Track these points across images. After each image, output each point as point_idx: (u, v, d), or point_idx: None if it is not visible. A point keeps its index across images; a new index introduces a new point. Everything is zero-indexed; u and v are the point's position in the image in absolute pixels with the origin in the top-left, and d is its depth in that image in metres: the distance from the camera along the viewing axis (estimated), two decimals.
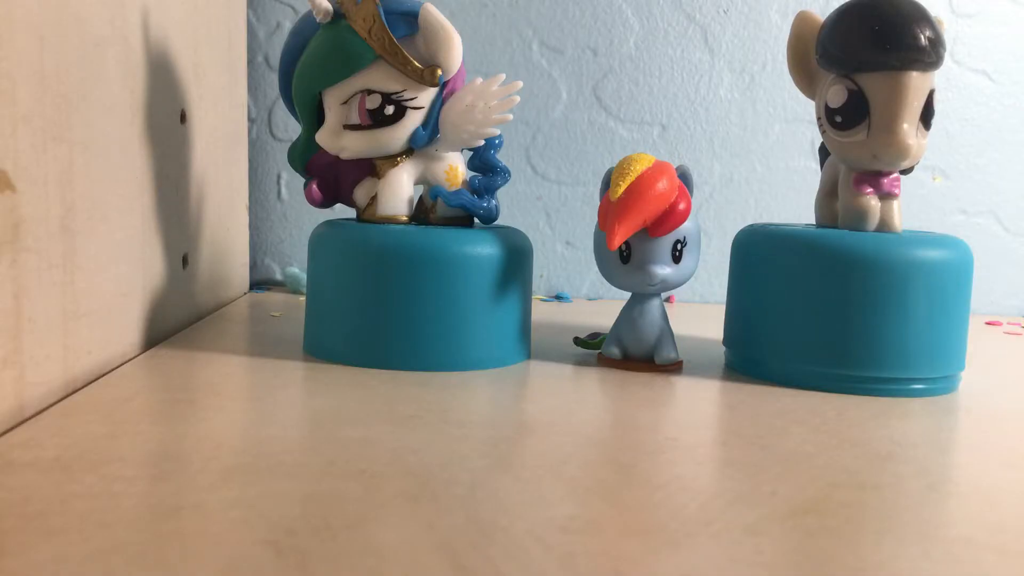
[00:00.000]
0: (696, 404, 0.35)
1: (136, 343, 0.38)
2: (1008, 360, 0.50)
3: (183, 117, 0.44)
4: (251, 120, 0.68)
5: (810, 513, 0.22)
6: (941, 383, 0.38)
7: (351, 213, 0.43)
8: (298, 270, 0.65)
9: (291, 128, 0.68)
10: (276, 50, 0.67)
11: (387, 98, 0.37)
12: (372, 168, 0.40)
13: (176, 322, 0.44)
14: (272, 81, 0.68)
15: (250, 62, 0.66)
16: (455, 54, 0.37)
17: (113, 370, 0.34)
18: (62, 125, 0.29)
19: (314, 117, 0.39)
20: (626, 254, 0.39)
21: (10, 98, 0.25)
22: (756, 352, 0.40)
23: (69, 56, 0.30)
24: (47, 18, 0.28)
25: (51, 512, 0.20)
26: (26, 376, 0.27)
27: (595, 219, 0.40)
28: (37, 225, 0.27)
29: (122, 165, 0.35)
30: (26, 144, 0.26)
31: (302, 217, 0.70)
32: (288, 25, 0.67)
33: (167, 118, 0.42)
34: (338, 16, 0.37)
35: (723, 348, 0.43)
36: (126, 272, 0.36)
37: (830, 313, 0.37)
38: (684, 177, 0.39)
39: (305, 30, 0.39)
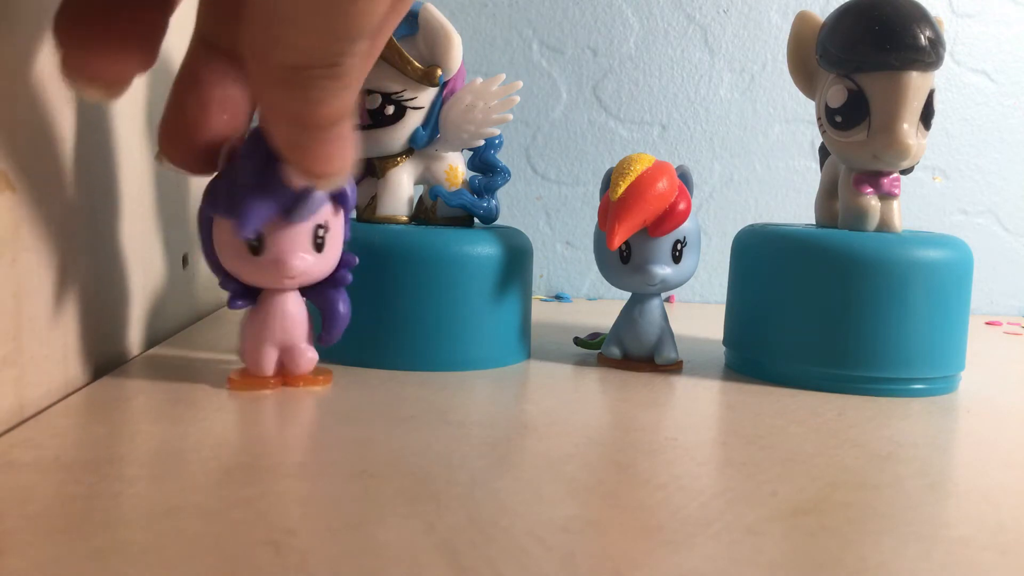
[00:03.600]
0: (696, 404, 0.35)
1: (136, 343, 0.38)
2: (1008, 360, 0.50)
3: None
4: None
5: (810, 513, 0.22)
6: (941, 383, 0.38)
7: None
8: None
9: None
10: None
11: (387, 98, 0.37)
12: (371, 168, 0.40)
13: (176, 322, 0.44)
14: None
15: None
16: (455, 54, 0.37)
17: (113, 370, 0.34)
18: (62, 125, 0.29)
19: None
20: (626, 254, 0.39)
21: (10, 98, 0.25)
22: (756, 352, 0.40)
23: None
24: (48, 18, 0.28)
25: (51, 512, 0.20)
26: (26, 376, 0.27)
27: (595, 219, 0.40)
28: (37, 225, 0.27)
29: (122, 165, 0.35)
30: (26, 144, 0.26)
31: None
32: None
33: None
34: None
35: (723, 348, 0.43)
36: (126, 272, 0.36)
37: (830, 313, 0.37)
38: (684, 177, 0.39)
39: None
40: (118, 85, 0.25)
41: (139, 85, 0.37)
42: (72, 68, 0.24)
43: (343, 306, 0.33)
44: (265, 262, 0.30)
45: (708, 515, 0.21)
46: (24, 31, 0.26)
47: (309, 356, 0.32)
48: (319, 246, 0.31)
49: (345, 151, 0.25)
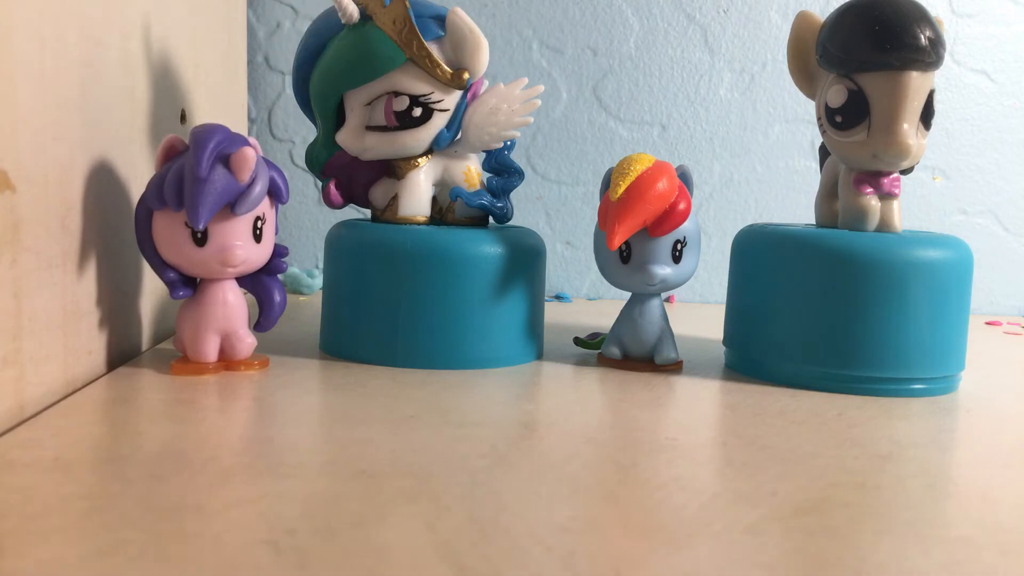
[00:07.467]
0: (696, 404, 0.35)
1: (137, 343, 0.38)
2: (1008, 360, 0.50)
3: (183, 117, 0.44)
4: (251, 120, 0.68)
5: (810, 513, 0.22)
6: (941, 383, 0.38)
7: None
8: (298, 270, 0.65)
9: (291, 128, 0.68)
10: (276, 50, 0.67)
11: (415, 100, 0.37)
12: (388, 168, 0.40)
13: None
14: (272, 81, 0.68)
15: (250, 62, 0.66)
16: (483, 58, 0.38)
17: (113, 370, 0.34)
18: (62, 125, 0.29)
19: (334, 118, 0.39)
20: (626, 254, 0.39)
21: (10, 98, 0.25)
22: (756, 352, 0.40)
23: (69, 56, 0.30)
24: (47, 18, 0.28)
25: (51, 512, 0.20)
26: (26, 376, 0.27)
27: (595, 219, 0.40)
28: (37, 225, 0.27)
29: (122, 165, 0.35)
30: (26, 144, 0.26)
31: (301, 217, 0.70)
32: (288, 25, 0.67)
33: (167, 118, 0.42)
34: (363, 18, 0.37)
35: (723, 348, 0.43)
36: (126, 272, 0.36)
37: (830, 313, 0.37)
38: (684, 177, 0.39)
39: (324, 30, 0.38)
40: None
41: (137, 86, 0.37)
42: None
43: (279, 294, 0.36)
44: (209, 252, 0.32)
45: (708, 515, 0.21)
46: (23, 32, 0.26)
47: (248, 342, 0.35)
48: (258, 236, 0.33)
49: None
